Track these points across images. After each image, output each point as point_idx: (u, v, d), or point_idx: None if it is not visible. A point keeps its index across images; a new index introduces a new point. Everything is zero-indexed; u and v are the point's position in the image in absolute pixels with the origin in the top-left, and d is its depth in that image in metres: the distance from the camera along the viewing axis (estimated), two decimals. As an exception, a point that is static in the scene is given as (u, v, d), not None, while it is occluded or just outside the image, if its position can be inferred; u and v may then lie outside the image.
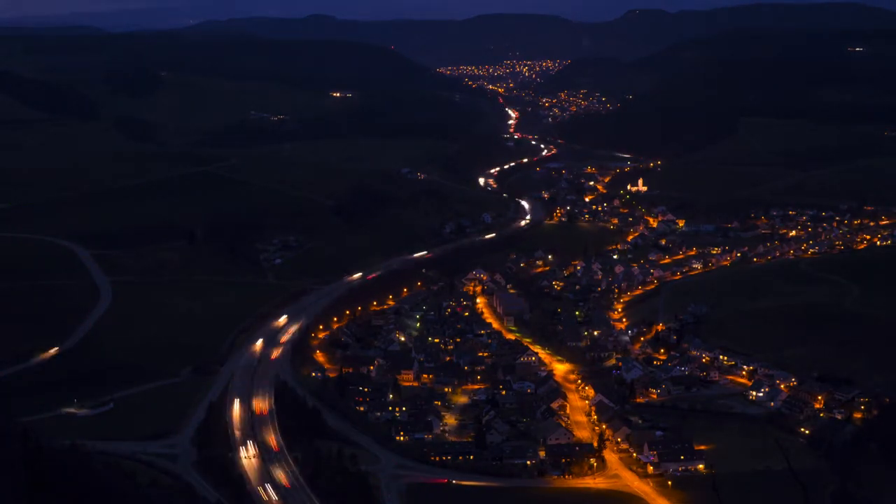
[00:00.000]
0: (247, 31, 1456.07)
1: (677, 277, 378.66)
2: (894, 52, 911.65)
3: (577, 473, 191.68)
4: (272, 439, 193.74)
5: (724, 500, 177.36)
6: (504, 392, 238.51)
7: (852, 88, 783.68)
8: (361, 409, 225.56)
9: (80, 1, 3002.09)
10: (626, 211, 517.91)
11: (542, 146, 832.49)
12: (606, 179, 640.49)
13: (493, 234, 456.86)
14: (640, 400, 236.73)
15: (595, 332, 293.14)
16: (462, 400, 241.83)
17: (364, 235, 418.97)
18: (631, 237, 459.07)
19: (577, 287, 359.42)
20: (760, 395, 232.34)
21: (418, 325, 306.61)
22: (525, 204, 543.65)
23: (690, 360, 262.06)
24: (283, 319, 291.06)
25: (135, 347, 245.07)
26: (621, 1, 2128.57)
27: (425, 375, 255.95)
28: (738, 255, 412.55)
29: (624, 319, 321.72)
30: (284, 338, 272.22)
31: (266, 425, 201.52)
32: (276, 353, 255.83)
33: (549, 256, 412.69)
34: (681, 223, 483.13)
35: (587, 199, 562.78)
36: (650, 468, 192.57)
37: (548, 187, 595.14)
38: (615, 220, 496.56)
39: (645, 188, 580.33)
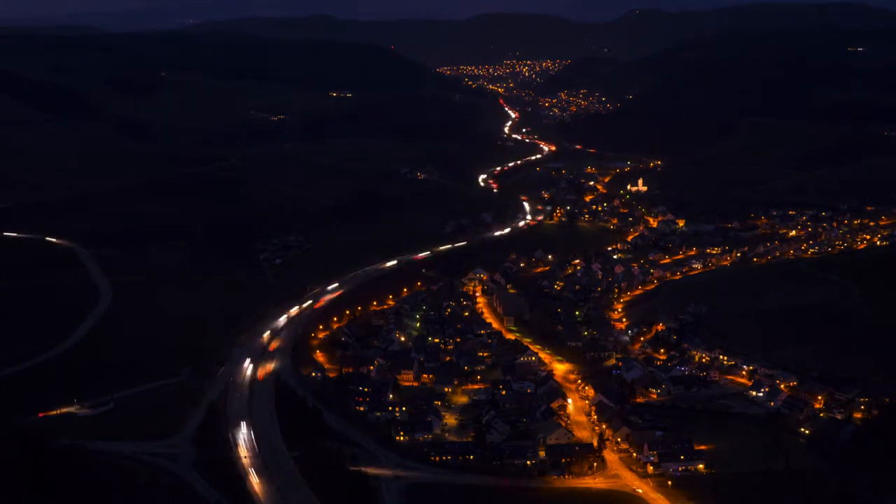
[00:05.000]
0: (247, 31, 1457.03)
1: (677, 277, 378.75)
2: (894, 52, 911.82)
3: (577, 473, 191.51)
4: (272, 439, 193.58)
5: (724, 500, 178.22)
6: (504, 392, 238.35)
7: (852, 88, 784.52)
8: (361, 409, 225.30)
9: (80, 1, 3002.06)
10: (626, 211, 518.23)
11: (542, 146, 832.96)
12: (606, 179, 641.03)
13: (493, 234, 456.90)
14: (640, 400, 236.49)
15: (595, 332, 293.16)
16: (462, 400, 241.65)
17: (364, 235, 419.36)
18: (631, 237, 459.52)
19: (577, 287, 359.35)
20: (760, 395, 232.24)
21: (418, 325, 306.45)
22: (525, 204, 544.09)
23: (690, 360, 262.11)
24: (282, 320, 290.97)
25: (135, 347, 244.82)
26: (621, 1, 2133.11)
27: (425, 375, 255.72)
28: (738, 255, 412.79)
29: (624, 319, 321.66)
30: (284, 337, 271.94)
31: (266, 425, 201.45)
32: (276, 354, 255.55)
33: (549, 256, 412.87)
34: (681, 223, 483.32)
35: (587, 199, 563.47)
36: (650, 468, 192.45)
37: (548, 187, 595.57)
38: (615, 220, 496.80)
39: (645, 188, 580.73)
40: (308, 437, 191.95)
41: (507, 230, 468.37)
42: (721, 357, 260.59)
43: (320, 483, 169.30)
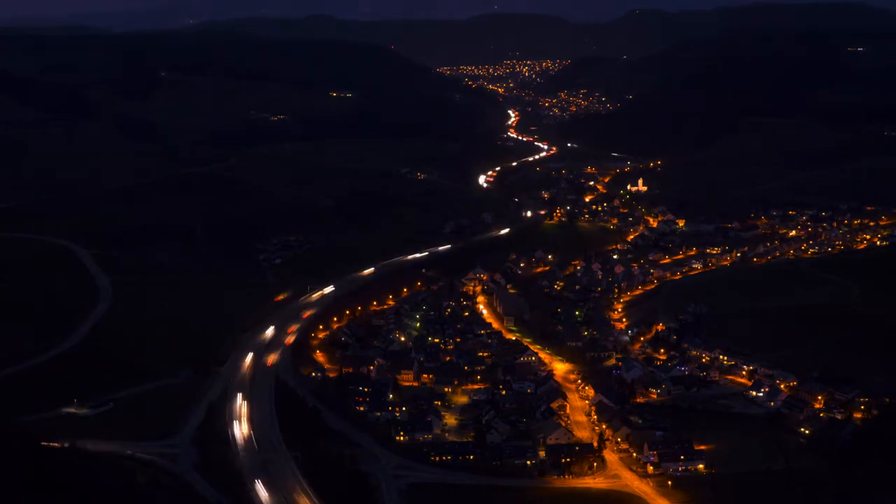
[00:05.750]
0: (247, 31, 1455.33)
1: (677, 277, 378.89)
2: (895, 52, 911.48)
3: (577, 473, 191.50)
4: (272, 439, 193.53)
5: (724, 500, 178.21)
6: (504, 392, 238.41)
7: (852, 88, 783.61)
8: (361, 409, 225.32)
9: (80, 1, 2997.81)
10: (626, 211, 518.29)
11: (542, 146, 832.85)
12: (606, 179, 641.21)
13: (493, 234, 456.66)
14: (640, 400, 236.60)
15: (595, 332, 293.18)
16: (462, 400, 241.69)
17: (364, 235, 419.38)
18: (631, 237, 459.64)
19: (577, 287, 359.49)
20: (760, 395, 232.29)
21: (418, 325, 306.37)
22: (525, 204, 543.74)
23: (690, 360, 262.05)
24: (282, 321, 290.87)
25: (134, 347, 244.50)
26: (621, 1, 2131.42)
27: (425, 375, 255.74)
28: (738, 255, 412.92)
29: (624, 319, 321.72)
30: (284, 338, 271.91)
31: (266, 425, 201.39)
32: (275, 354, 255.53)
33: (549, 256, 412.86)
34: (681, 223, 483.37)
35: (587, 199, 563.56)
36: (650, 468, 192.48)
37: (548, 187, 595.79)
38: (615, 220, 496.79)
39: (645, 188, 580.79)
40: (308, 437, 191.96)
41: (507, 230, 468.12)
42: (721, 357, 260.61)
43: (320, 483, 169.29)
